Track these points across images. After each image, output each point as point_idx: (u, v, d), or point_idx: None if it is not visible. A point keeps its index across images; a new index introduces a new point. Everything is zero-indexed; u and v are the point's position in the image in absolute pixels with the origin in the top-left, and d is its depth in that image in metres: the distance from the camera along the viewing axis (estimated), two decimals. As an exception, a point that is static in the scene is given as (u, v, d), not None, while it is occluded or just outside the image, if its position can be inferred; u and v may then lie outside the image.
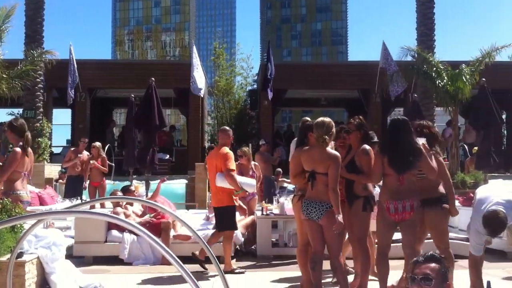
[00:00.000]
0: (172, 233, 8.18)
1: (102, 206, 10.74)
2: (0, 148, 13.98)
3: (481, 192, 5.40)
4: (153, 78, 11.59)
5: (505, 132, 20.00)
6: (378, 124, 18.52)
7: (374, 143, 6.05)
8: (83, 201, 9.82)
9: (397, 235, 5.52)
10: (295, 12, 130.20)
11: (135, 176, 12.99)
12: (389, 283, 5.36)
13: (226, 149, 7.33)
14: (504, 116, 17.99)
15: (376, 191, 5.81)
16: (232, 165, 7.28)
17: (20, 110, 17.39)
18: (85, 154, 11.87)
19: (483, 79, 13.49)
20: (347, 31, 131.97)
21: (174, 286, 6.43)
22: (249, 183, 7.90)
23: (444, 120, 19.11)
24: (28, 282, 5.52)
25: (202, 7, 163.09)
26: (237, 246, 8.40)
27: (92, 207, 9.61)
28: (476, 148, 13.77)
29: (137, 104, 12.49)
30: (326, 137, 5.28)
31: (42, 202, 10.73)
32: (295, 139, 6.22)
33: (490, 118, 12.89)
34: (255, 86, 25.31)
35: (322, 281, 5.51)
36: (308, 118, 6.13)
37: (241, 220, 8.50)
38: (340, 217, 5.14)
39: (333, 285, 6.21)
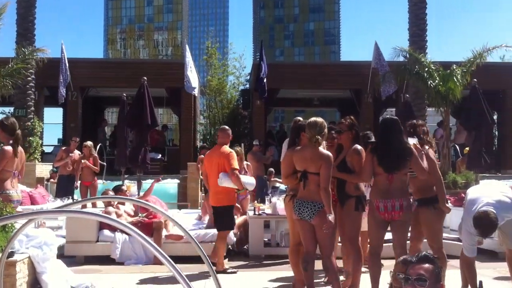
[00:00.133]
0: (164, 232, 8.16)
1: (94, 205, 10.69)
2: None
3: (472, 192, 5.42)
4: (145, 77, 11.57)
5: (496, 132, 20.09)
6: (370, 124, 18.53)
7: (371, 143, 6.06)
8: (74, 201, 9.77)
9: (390, 235, 5.53)
10: (288, 12, 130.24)
11: (127, 175, 12.96)
12: (381, 283, 5.37)
13: (228, 148, 7.32)
14: (495, 117, 18.09)
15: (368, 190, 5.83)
16: (236, 164, 7.28)
17: (11, 109, 17.30)
18: (76, 153, 11.81)
19: (475, 79, 13.57)
20: (340, 31, 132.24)
21: (166, 286, 6.42)
22: (251, 182, 7.91)
23: (436, 121, 19.20)
24: (19, 281, 5.48)
25: (195, 6, 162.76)
26: (229, 246, 8.39)
27: (84, 206, 9.57)
28: (467, 148, 13.84)
29: (129, 103, 12.45)
30: (319, 137, 5.29)
31: (33, 201, 10.66)
32: (287, 139, 6.22)
33: (481, 118, 12.97)
34: (247, 85, 25.31)
35: (315, 280, 5.51)
36: (300, 118, 6.13)
37: (234, 220, 8.48)
38: (331, 217, 5.14)
39: (325, 285, 6.22)
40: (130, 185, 10.65)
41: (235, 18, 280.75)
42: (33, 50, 15.74)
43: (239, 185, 7.24)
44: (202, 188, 13.03)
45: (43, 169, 15.36)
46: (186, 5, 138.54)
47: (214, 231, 8.00)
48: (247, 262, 8.04)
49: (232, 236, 8.18)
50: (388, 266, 5.75)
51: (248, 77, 25.29)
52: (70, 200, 10.09)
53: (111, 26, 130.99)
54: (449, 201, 7.88)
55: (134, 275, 7.10)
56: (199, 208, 12.13)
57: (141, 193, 10.14)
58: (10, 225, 5.57)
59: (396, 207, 5.19)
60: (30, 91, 16.94)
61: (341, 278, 5.97)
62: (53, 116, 40.89)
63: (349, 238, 5.71)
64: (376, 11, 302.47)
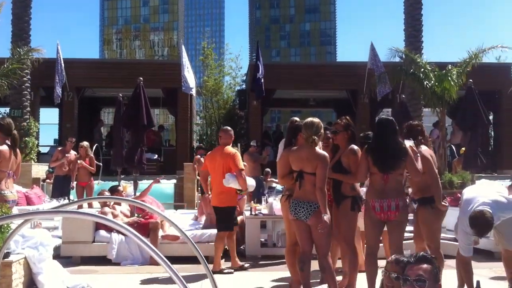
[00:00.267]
0: (160, 233, 8.14)
1: (90, 206, 10.68)
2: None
3: (468, 192, 5.44)
4: (141, 78, 11.55)
5: (492, 133, 20.17)
6: (366, 124, 18.58)
7: (368, 143, 6.06)
8: (70, 201, 9.76)
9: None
10: (284, 13, 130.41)
11: (123, 176, 12.93)
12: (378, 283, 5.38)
13: (232, 149, 7.32)
14: (491, 117, 18.13)
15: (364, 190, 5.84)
16: (242, 164, 7.29)
17: (7, 109, 17.25)
18: (72, 153, 11.79)
19: (470, 80, 13.59)
20: (336, 31, 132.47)
21: (162, 287, 6.42)
22: (252, 184, 7.90)
23: (431, 121, 19.23)
24: (15, 282, 5.47)
25: (191, 6, 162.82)
26: (226, 246, 8.38)
27: (80, 207, 9.56)
28: (463, 148, 13.86)
29: (125, 104, 12.43)
30: (315, 137, 5.30)
31: (29, 202, 10.66)
32: (283, 139, 6.22)
33: (477, 119, 12.99)
34: (243, 86, 25.31)
35: (311, 281, 5.52)
36: (297, 118, 6.12)
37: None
38: (326, 217, 5.14)
39: (320, 284, 6.21)
40: (126, 186, 10.65)
41: (231, 19, 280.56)
42: (29, 50, 15.70)
43: (244, 186, 7.23)
44: (199, 188, 13.04)
45: (39, 170, 15.32)
46: (182, 5, 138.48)
47: (210, 231, 8.00)
48: (243, 263, 8.03)
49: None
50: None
51: (244, 78, 25.28)
52: (66, 201, 10.07)
53: (107, 27, 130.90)
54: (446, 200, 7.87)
55: (131, 275, 7.09)
56: (196, 208, 12.13)
57: (137, 194, 10.12)
58: (5, 225, 5.56)
59: (392, 207, 5.20)
60: (26, 92, 16.90)
61: (339, 278, 5.98)
62: (49, 117, 40.96)
63: (345, 238, 5.71)
64: (372, 12, 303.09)
